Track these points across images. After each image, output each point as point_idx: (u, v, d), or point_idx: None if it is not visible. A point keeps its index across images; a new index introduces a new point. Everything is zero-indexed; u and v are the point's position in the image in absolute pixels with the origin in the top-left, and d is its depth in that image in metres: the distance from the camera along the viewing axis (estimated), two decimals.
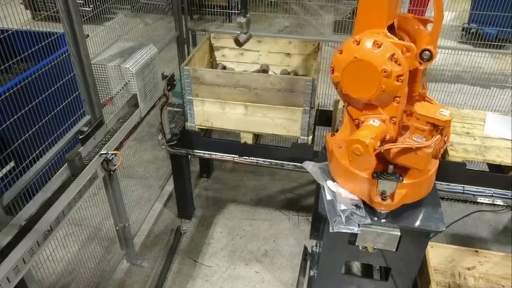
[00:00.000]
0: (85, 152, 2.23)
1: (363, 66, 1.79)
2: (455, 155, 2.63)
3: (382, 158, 1.98)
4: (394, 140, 1.96)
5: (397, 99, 1.86)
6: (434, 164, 2.12)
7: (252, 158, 3.07)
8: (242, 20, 2.51)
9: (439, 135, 1.83)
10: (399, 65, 1.77)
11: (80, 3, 2.14)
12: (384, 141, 1.93)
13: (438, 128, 1.81)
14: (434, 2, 1.81)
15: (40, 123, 2.05)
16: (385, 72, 1.76)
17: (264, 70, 3.37)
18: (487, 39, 4.03)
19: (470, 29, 4.75)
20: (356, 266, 3.13)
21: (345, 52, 1.85)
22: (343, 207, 2.05)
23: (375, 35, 1.80)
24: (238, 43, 2.59)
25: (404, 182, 1.97)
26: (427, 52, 1.83)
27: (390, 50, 1.76)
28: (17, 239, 1.72)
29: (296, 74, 3.38)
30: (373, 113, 1.93)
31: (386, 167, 1.97)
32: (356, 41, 1.81)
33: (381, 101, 1.89)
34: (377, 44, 1.76)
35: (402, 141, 1.91)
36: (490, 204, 3.73)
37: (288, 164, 3.03)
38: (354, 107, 2.00)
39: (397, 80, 1.79)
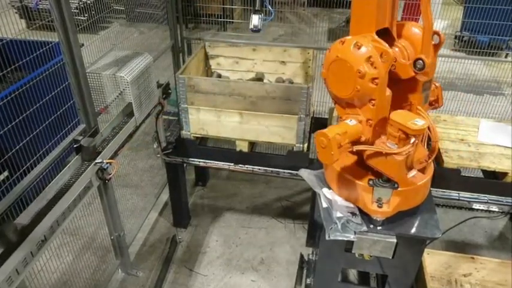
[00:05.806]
0: (79, 161, 2.22)
1: (342, 65, 1.84)
2: (450, 162, 2.65)
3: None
4: (370, 143, 1.97)
5: (373, 101, 1.86)
6: (430, 171, 2.13)
7: (248, 166, 3.07)
8: None
9: (410, 145, 1.81)
10: (375, 68, 1.79)
11: (75, 12, 2.14)
12: (359, 142, 1.94)
13: (409, 136, 1.80)
14: (421, 11, 1.83)
15: (34, 132, 2.04)
16: (359, 72, 1.79)
17: (259, 78, 3.38)
18: (479, 47, 4.08)
19: (463, 36, 4.80)
20: (353, 274, 3.12)
21: (331, 50, 1.91)
22: (339, 214, 2.05)
23: (362, 37, 1.83)
24: None
25: (400, 189, 1.98)
26: (420, 61, 1.84)
27: (368, 52, 1.79)
28: (11, 249, 1.71)
29: (291, 82, 3.39)
30: (353, 112, 1.97)
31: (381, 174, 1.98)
32: (342, 41, 1.86)
33: (358, 101, 1.92)
34: (357, 45, 1.80)
35: (377, 145, 1.94)
36: (485, 211, 3.74)
37: (284, 172, 3.03)
38: (339, 104, 2.05)
39: (372, 83, 1.80)
